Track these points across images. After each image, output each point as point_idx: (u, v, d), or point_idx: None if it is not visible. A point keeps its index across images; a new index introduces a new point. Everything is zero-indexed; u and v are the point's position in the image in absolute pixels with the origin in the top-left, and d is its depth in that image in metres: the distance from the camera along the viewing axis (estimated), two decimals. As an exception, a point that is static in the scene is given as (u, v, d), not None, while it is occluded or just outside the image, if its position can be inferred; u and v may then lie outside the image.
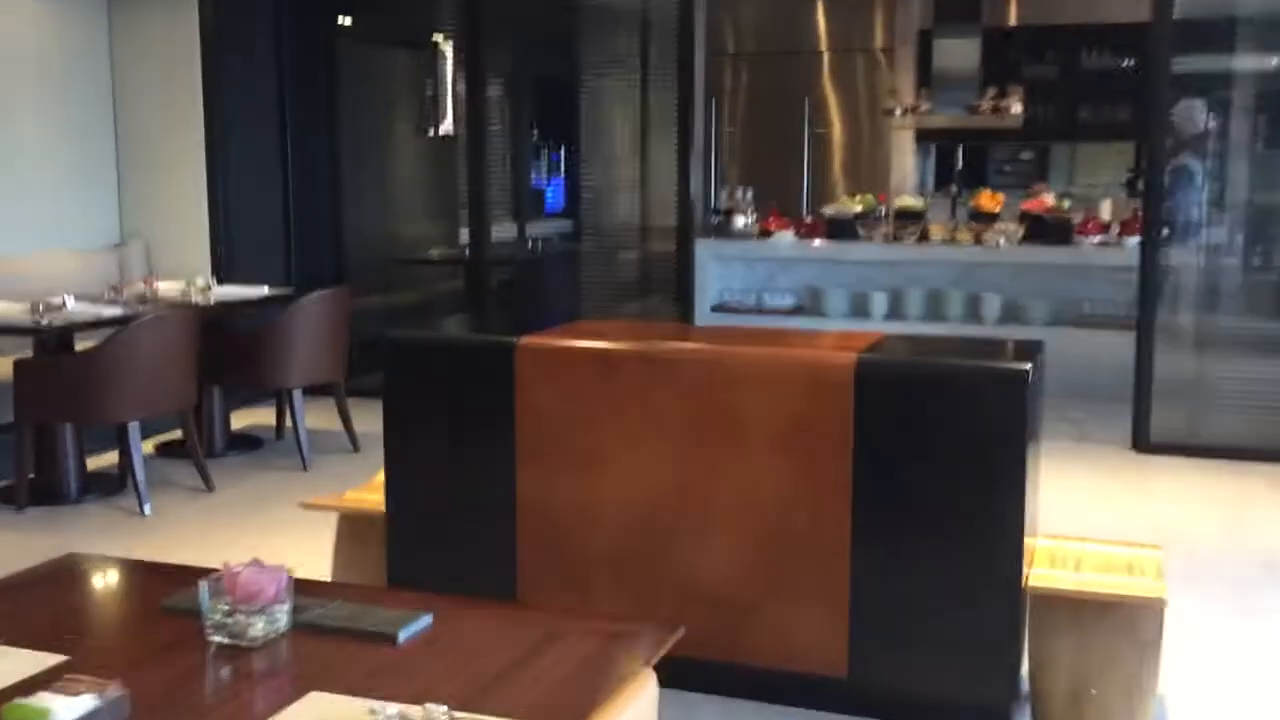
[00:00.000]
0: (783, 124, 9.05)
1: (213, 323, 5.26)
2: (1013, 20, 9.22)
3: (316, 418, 5.73)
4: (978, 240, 6.71)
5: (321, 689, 1.71)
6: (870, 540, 2.77)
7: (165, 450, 5.46)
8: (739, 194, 7.27)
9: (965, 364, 2.80)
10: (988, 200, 6.93)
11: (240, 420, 6.03)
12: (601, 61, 6.82)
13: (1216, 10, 5.38)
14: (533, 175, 9.22)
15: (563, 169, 9.43)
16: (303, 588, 1.99)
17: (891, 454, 2.75)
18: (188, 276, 5.60)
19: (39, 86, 5.89)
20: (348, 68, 7.10)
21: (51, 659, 1.82)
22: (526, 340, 3.05)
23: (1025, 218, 6.78)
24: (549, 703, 1.73)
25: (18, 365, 4.60)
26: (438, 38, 7.67)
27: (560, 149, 9.37)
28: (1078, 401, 5.98)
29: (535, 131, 9.21)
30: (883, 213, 7.13)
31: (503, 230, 7.99)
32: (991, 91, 7.97)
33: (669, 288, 6.82)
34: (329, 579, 3.42)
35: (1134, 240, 6.25)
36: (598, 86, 6.88)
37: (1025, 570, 2.74)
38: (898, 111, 8.22)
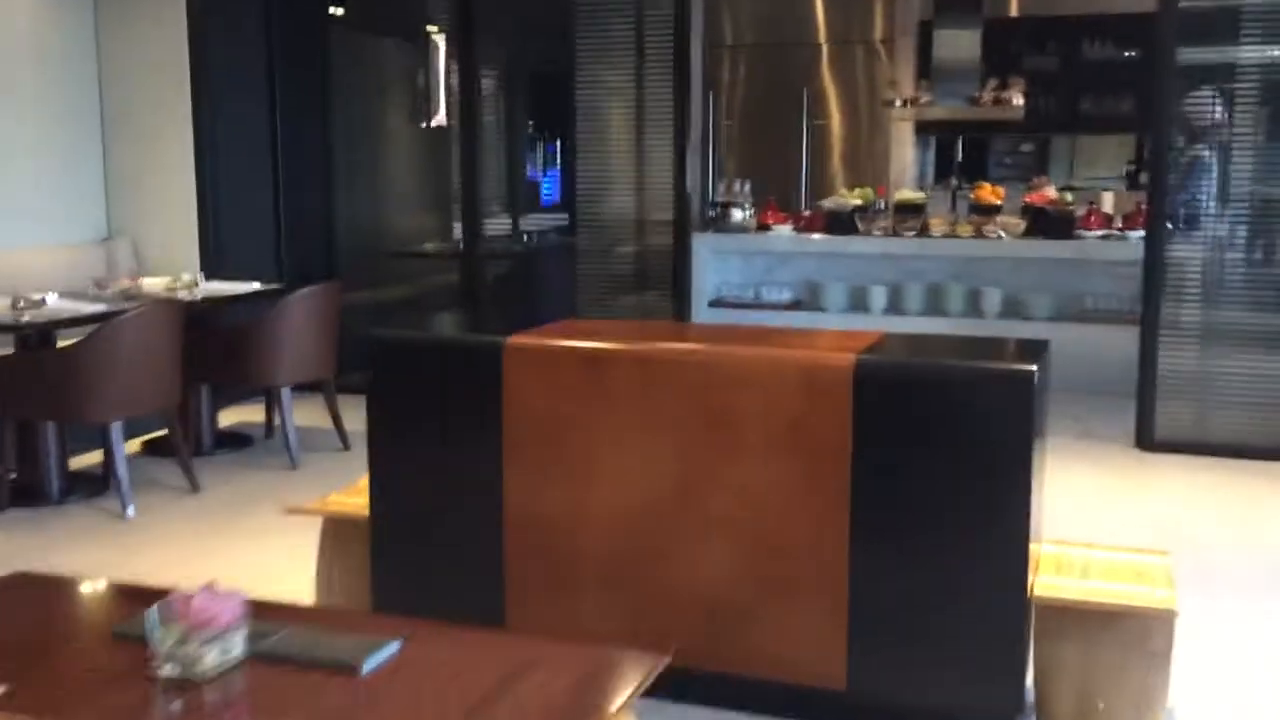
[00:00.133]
0: (781, 116, 8.94)
1: (200, 319, 5.17)
2: (1014, 10, 9.12)
3: (307, 415, 5.64)
4: (978, 234, 6.61)
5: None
6: (870, 548, 2.67)
7: (152, 449, 5.37)
8: (737, 187, 7.17)
9: (968, 365, 2.70)
10: (988, 193, 6.83)
11: (230, 418, 5.93)
12: (597, 52, 6.71)
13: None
14: (527, 168, 9.11)
15: (558, 161, 9.32)
16: (261, 611, 1.88)
17: (892, 459, 2.65)
18: (176, 272, 5.51)
19: (23, 79, 5.78)
20: (340, 58, 7.00)
21: (-11, 688, 1.70)
22: (515, 340, 2.95)
23: (1028, 211, 6.68)
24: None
25: (-2, 363, 4.51)
26: (431, 28, 7.56)
27: (555, 141, 9.26)
28: (1080, 397, 5.88)
29: (530, 123, 9.10)
30: (882, 206, 7.03)
31: (497, 224, 7.89)
32: (993, 83, 7.87)
33: (666, 282, 6.72)
34: (313, 583, 3.33)
35: (1137, 234, 6.16)
36: (594, 78, 6.77)
37: (1030, 578, 2.64)
38: (897, 103, 8.11)
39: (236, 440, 5.61)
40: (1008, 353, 2.91)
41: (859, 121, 8.93)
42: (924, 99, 8.02)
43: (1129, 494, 4.84)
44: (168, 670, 1.75)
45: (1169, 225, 5.41)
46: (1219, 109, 5.52)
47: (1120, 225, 6.54)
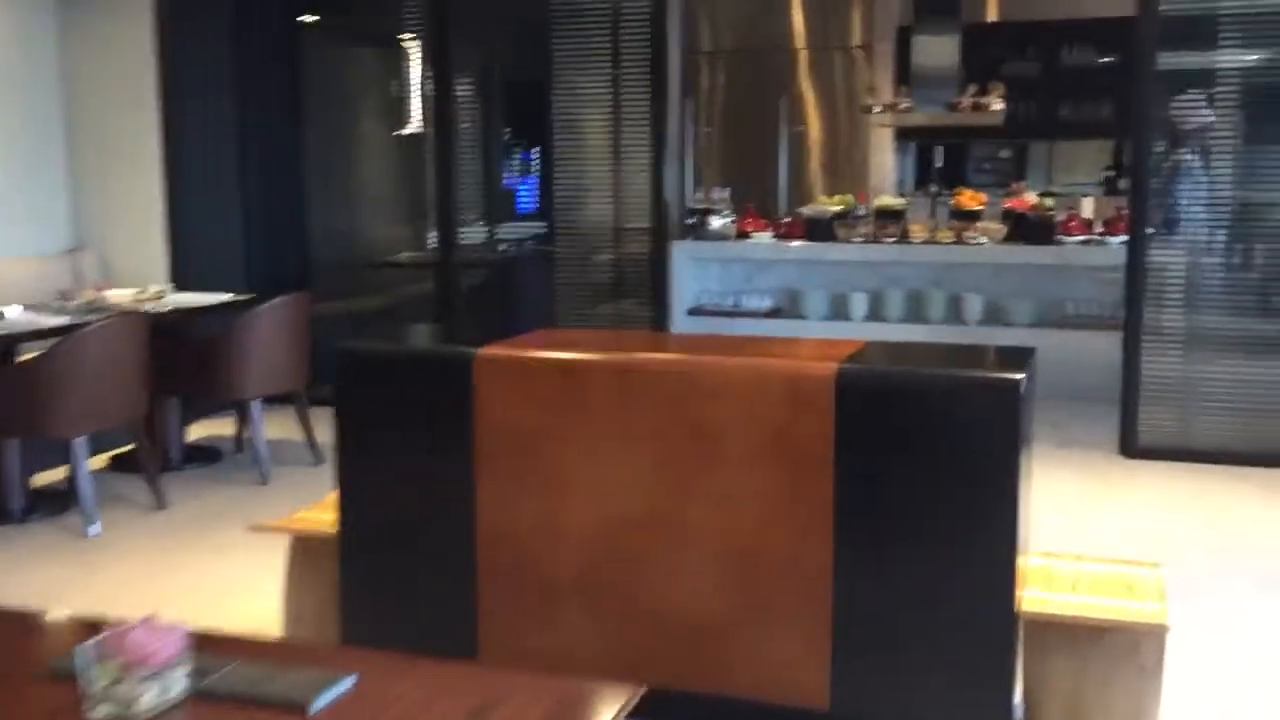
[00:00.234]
0: (759, 122, 8.88)
1: (168, 331, 5.05)
2: (993, 16, 9.09)
3: (278, 428, 5.53)
4: (959, 239, 6.56)
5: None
6: (853, 562, 2.59)
7: (119, 464, 5.24)
8: (715, 194, 7.10)
9: (954, 374, 2.62)
10: (969, 199, 6.78)
11: (199, 432, 5.81)
12: (574, 59, 6.63)
13: (1203, 4, 5.23)
14: (504, 176, 9.02)
15: (535, 169, 9.23)
16: (206, 644, 1.76)
17: (876, 470, 2.57)
18: (144, 283, 5.40)
19: (-15, 86, 5.67)
20: (312, 65, 6.90)
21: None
22: (486, 351, 2.86)
23: (1008, 216, 6.63)
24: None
25: (-43, 378, 4.38)
26: (404, 35, 7.46)
27: (532, 149, 9.17)
28: (1061, 404, 5.83)
29: (507, 131, 9.01)
30: (862, 212, 6.97)
31: (473, 232, 7.79)
32: (972, 89, 7.83)
33: (644, 291, 6.65)
34: (281, 603, 3.23)
35: (1119, 239, 6.12)
36: (571, 85, 6.69)
37: (1018, 592, 2.57)
38: (877, 109, 8.06)
39: (206, 455, 5.49)
40: (994, 361, 2.84)
41: (838, 127, 8.88)
42: (903, 105, 7.97)
43: (1113, 501, 4.78)
44: (101, 711, 1.62)
45: (1151, 230, 5.37)
46: (1200, 114, 5.49)
47: (1101, 230, 6.50)
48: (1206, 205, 5.46)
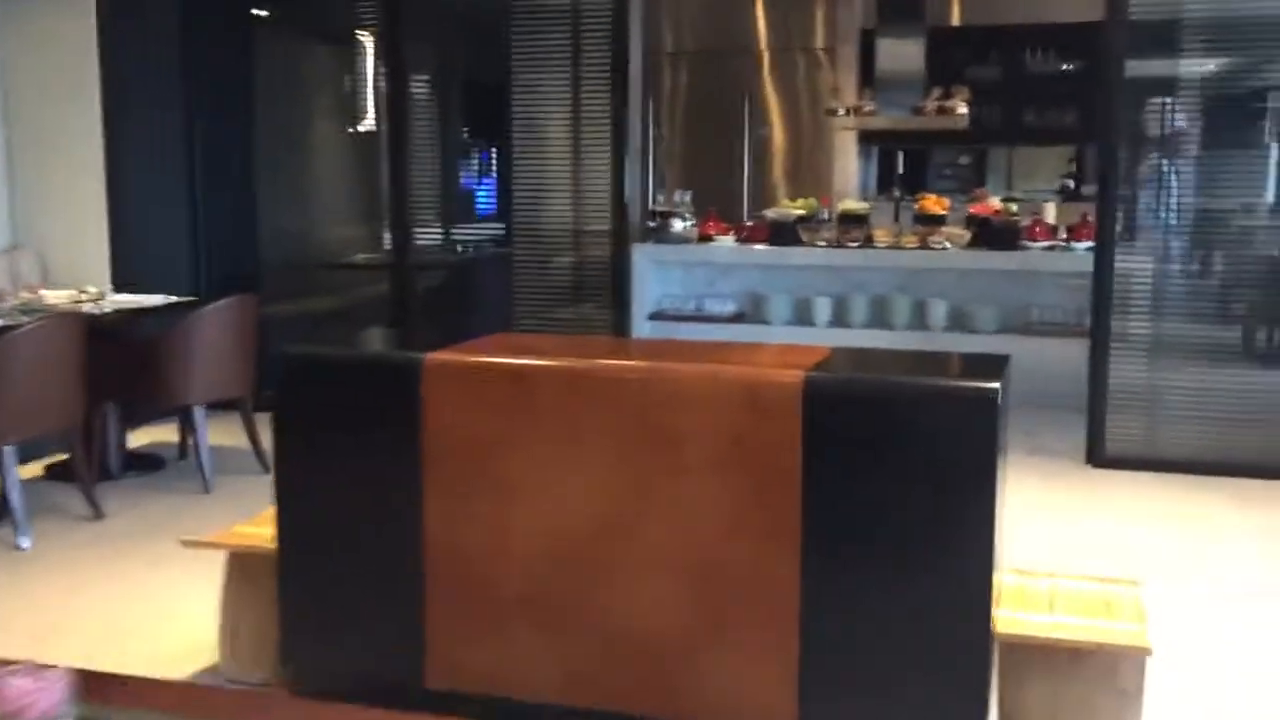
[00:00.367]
0: (722, 124, 8.77)
1: (107, 333, 4.84)
2: (956, 20, 9.04)
3: (224, 436, 5.32)
4: (924, 245, 6.47)
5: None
6: (821, 580, 2.46)
7: (55, 473, 5.02)
8: (677, 197, 6.98)
9: (927, 382, 2.50)
10: (933, 204, 6.71)
11: (143, 439, 5.60)
12: (534, 59, 6.49)
13: (1171, 11, 5.17)
14: (461, 176, 8.84)
15: (493, 170, 9.06)
16: (97, 688, 1.59)
17: (845, 483, 2.44)
18: (84, 284, 5.18)
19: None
20: (263, 60, 6.69)
21: None
22: (435, 356, 2.70)
23: (972, 222, 6.56)
24: None
25: (-121, 382, 4.15)
26: (359, 30, 7.28)
27: (491, 149, 9.00)
28: (1028, 411, 5.70)
29: (465, 130, 8.83)
30: (826, 216, 6.88)
31: (429, 234, 7.61)
32: (936, 92, 7.77)
33: (605, 294, 6.51)
34: (218, 621, 3.06)
35: (1084, 245, 6.06)
36: (530, 84, 6.54)
37: (994, 611, 2.45)
38: (840, 111, 7.98)
39: (147, 463, 5.28)
40: (968, 369, 2.72)
41: (801, 130, 8.79)
42: (867, 108, 7.89)
43: (1082, 512, 4.69)
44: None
45: (1118, 237, 5.30)
46: (1166, 121, 5.43)
47: (1065, 236, 6.44)
48: (1173, 212, 5.40)
